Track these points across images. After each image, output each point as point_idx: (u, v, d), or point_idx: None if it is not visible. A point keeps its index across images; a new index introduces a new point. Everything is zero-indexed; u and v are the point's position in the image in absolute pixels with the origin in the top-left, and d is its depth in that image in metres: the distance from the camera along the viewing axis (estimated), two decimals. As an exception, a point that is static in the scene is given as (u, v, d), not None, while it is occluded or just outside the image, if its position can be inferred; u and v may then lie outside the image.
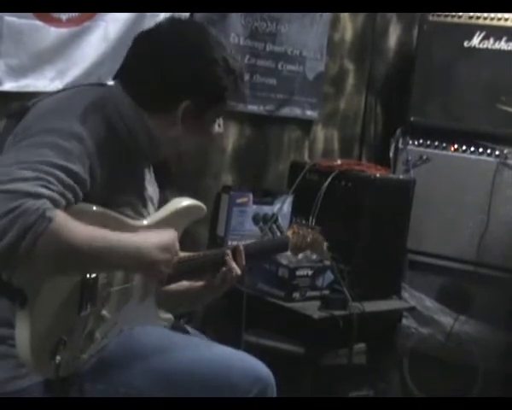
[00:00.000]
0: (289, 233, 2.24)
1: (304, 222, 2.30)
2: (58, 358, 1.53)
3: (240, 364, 1.84)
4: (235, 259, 1.93)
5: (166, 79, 1.68)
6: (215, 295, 1.95)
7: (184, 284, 1.92)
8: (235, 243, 3.15)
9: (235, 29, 3.18)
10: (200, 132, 1.76)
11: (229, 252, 1.93)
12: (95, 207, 1.57)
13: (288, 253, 2.31)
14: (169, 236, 1.67)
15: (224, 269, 1.90)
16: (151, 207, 1.80)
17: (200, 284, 1.93)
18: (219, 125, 1.80)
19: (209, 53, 1.70)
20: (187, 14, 2.96)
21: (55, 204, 1.42)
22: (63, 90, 1.79)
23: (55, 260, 1.43)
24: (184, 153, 1.82)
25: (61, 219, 1.41)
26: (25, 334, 1.50)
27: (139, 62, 1.72)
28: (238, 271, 1.92)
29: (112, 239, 1.52)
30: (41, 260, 1.40)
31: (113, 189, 1.61)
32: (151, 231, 1.67)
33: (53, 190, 1.42)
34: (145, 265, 1.62)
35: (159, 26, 1.76)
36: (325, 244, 2.32)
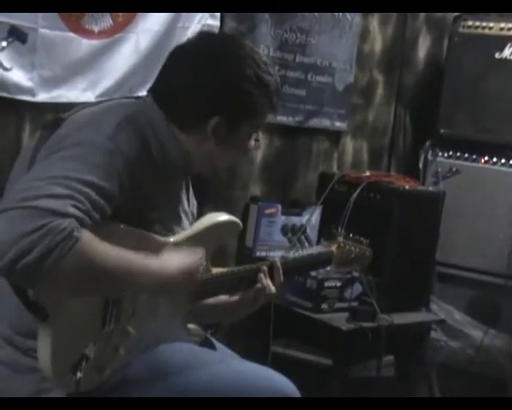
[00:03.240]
0: (334, 247, 2.13)
1: (351, 235, 2.19)
2: (79, 373, 1.52)
3: (265, 382, 1.80)
4: (271, 275, 1.89)
5: (195, 94, 1.66)
6: (250, 310, 1.91)
7: (221, 297, 1.88)
8: (263, 253, 3.19)
9: (264, 41, 3.19)
10: (235, 148, 1.74)
11: (265, 268, 1.88)
12: (122, 226, 1.56)
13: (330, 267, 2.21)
14: (194, 258, 1.65)
15: (257, 286, 1.86)
16: (186, 223, 1.78)
17: (235, 298, 1.89)
18: (258, 140, 1.78)
19: (239, 68, 1.67)
20: (218, 25, 3.00)
21: (82, 224, 1.42)
22: (98, 102, 1.79)
23: (79, 280, 1.44)
24: (221, 168, 1.80)
25: (87, 239, 1.42)
26: (46, 348, 1.50)
27: (171, 77, 1.71)
28: (272, 289, 1.87)
29: (136, 261, 1.51)
30: (64, 279, 1.40)
31: (143, 204, 1.60)
32: (176, 253, 1.63)
33: (81, 210, 1.42)
34: (167, 288, 1.61)
35: (191, 41, 1.75)
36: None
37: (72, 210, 1.41)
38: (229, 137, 1.70)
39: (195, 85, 1.66)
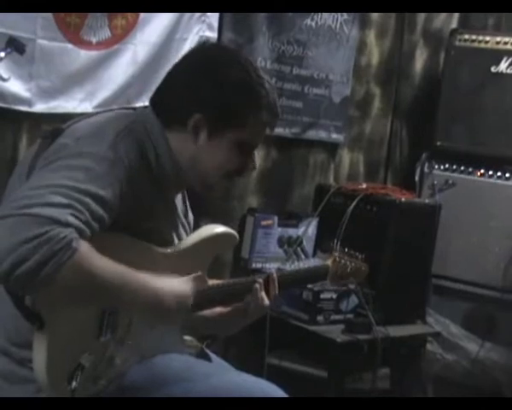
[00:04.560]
0: (329, 262, 2.10)
1: (346, 250, 2.18)
2: (74, 383, 1.53)
3: (260, 393, 1.78)
4: (267, 288, 1.87)
5: (182, 89, 1.68)
6: (246, 322, 1.89)
7: (216, 310, 1.87)
8: (259, 265, 3.19)
9: (262, 53, 3.20)
10: (216, 155, 1.68)
11: (260, 281, 1.85)
12: (121, 235, 1.57)
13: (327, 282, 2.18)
14: (188, 288, 1.65)
15: (250, 298, 1.83)
16: (183, 234, 1.79)
17: (230, 310, 1.88)
18: (253, 161, 1.73)
19: (230, 73, 1.67)
20: (215, 36, 3.01)
21: (81, 234, 1.43)
22: (97, 113, 1.79)
23: (74, 291, 1.44)
24: (212, 182, 1.72)
25: (85, 251, 1.42)
26: (42, 357, 1.50)
27: (167, 83, 1.73)
28: (266, 301, 1.84)
29: (132, 280, 1.52)
30: (60, 289, 1.41)
31: (141, 213, 1.61)
32: (173, 279, 1.63)
33: (81, 220, 1.43)
34: (159, 312, 1.61)
35: (191, 50, 1.79)
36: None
37: (71, 219, 1.41)
38: (210, 142, 1.67)
39: (184, 82, 1.68)
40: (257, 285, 1.84)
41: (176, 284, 1.63)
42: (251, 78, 1.68)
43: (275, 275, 1.90)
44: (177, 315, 1.64)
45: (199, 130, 1.66)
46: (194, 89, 1.67)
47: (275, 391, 1.83)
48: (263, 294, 1.84)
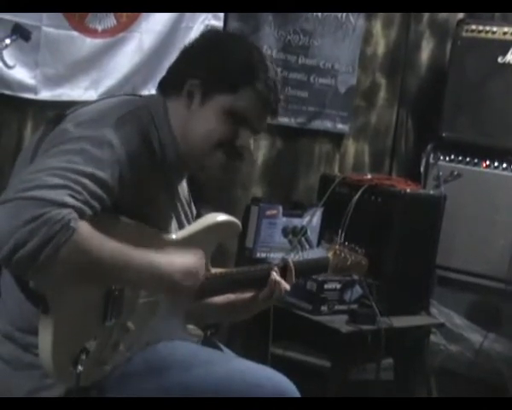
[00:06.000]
0: (330, 254, 2.14)
1: (347, 243, 2.21)
2: (80, 367, 1.53)
3: (265, 381, 1.80)
4: (284, 275, 1.90)
5: (183, 61, 1.72)
6: (260, 309, 1.92)
7: (230, 296, 1.89)
8: (263, 255, 3.19)
9: (267, 42, 3.19)
10: (208, 121, 1.66)
11: (276, 268, 1.89)
12: (122, 218, 1.57)
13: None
14: (195, 260, 1.65)
15: (272, 283, 1.86)
16: (185, 222, 1.79)
17: (245, 297, 1.90)
18: (245, 138, 1.70)
19: (231, 46, 1.70)
20: (221, 25, 3.00)
21: (81, 214, 1.42)
22: (101, 99, 1.79)
23: (75, 271, 1.44)
24: (201, 155, 1.70)
25: (85, 230, 1.42)
26: (47, 340, 1.51)
27: (174, 66, 1.75)
28: (287, 286, 1.89)
29: (134, 256, 1.52)
30: (61, 270, 1.41)
31: (141, 199, 1.61)
32: (178, 253, 1.64)
33: (79, 200, 1.43)
34: (165, 287, 1.62)
35: (199, 35, 1.80)
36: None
37: (69, 200, 1.41)
38: (203, 107, 1.67)
39: (187, 56, 1.73)
40: (276, 272, 1.87)
41: (181, 258, 1.63)
42: (251, 54, 1.70)
43: (291, 264, 1.92)
44: (188, 289, 1.63)
45: (193, 94, 1.67)
46: (193, 58, 1.70)
47: (281, 379, 1.84)
48: (282, 279, 1.88)
